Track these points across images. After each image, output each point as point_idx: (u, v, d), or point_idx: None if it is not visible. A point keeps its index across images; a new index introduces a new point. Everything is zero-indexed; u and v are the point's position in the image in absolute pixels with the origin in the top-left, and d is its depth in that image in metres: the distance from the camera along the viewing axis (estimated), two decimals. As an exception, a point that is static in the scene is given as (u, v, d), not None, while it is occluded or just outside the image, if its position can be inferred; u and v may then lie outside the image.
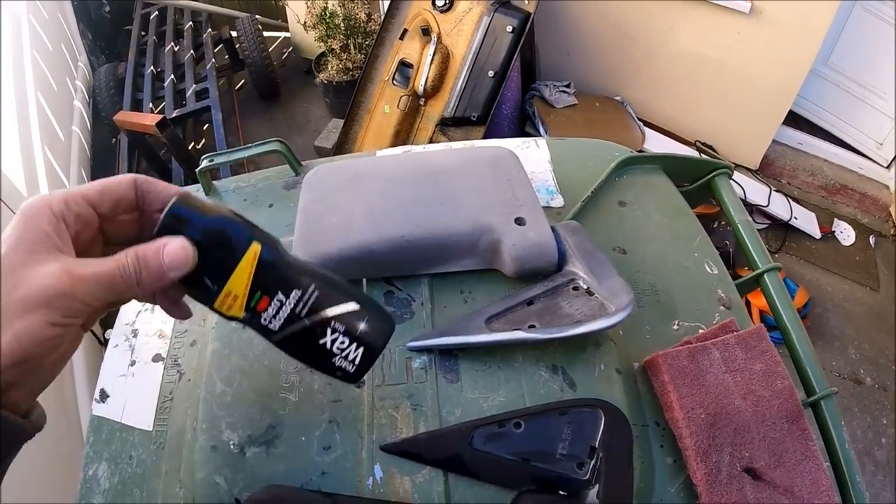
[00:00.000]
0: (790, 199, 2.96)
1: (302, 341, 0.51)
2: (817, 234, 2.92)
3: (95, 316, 0.49)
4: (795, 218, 2.90)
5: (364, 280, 0.72)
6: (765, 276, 0.83)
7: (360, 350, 0.52)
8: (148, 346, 0.76)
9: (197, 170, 0.93)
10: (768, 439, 0.62)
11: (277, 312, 0.50)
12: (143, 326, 0.79)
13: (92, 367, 2.29)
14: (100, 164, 3.60)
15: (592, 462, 0.57)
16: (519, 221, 0.69)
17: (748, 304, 2.37)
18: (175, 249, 0.46)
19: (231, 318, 0.50)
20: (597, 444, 0.57)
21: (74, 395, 2.12)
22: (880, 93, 2.88)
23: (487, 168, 0.76)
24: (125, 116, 2.88)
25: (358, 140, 2.89)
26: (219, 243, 0.48)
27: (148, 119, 2.67)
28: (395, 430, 0.60)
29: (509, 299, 0.67)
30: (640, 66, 3.01)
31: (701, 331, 0.71)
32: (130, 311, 0.82)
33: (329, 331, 0.51)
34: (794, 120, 3.15)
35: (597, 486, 0.56)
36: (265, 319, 0.50)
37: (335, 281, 0.53)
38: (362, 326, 0.52)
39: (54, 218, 0.45)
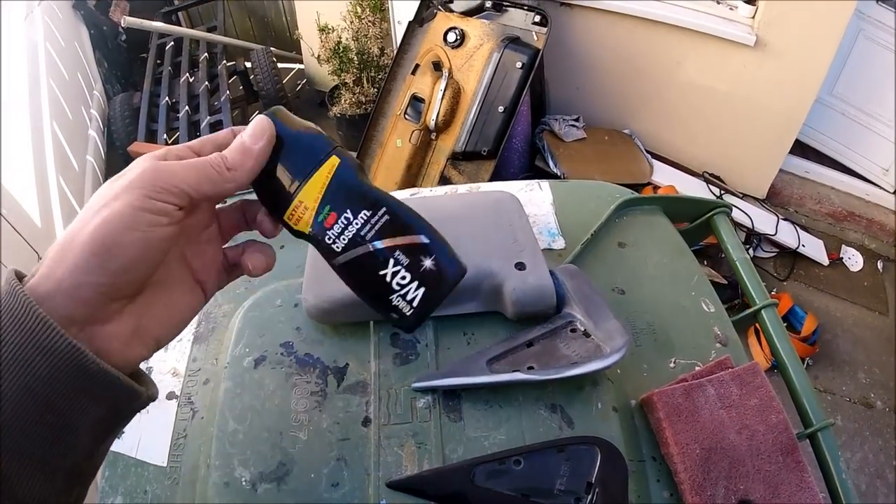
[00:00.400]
0: (798, 227, 2.98)
1: (362, 268, 0.48)
2: (825, 260, 2.93)
3: (192, 220, 0.48)
4: (803, 245, 2.91)
5: (371, 322, 0.75)
6: (762, 311, 0.85)
7: (421, 290, 0.49)
8: (162, 384, 0.78)
9: (217, 207, 0.95)
10: (763, 472, 0.63)
11: (343, 231, 0.47)
12: (158, 364, 0.81)
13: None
14: (114, 194, 3.62)
15: (589, 497, 0.59)
16: (519, 266, 0.72)
17: (756, 332, 2.38)
18: (252, 124, 0.46)
19: (299, 235, 0.49)
20: (593, 479, 0.60)
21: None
22: (885, 120, 2.90)
23: (490, 213, 0.79)
24: (140, 147, 2.92)
25: (370, 173, 2.91)
26: (300, 148, 0.48)
27: (162, 150, 2.70)
28: (401, 467, 0.63)
29: (510, 341, 0.70)
30: (648, 99, 3.04)
31: (697, 367, 0.73)
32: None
33: (392, 261, 0.48)
34: (801, 149, 3.17)
35: (595, 520, 0.59)
36: (330, 237, 0.47)
37: (408, 211, 0.50)
38: (427, 263, 0.49)
39: (156, 158, 0.43)
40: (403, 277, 0.48)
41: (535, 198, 0.94)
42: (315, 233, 0.48)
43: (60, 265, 0.39)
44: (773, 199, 3.15)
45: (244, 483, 0.64)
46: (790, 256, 2.95)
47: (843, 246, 3.04)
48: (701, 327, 0.80)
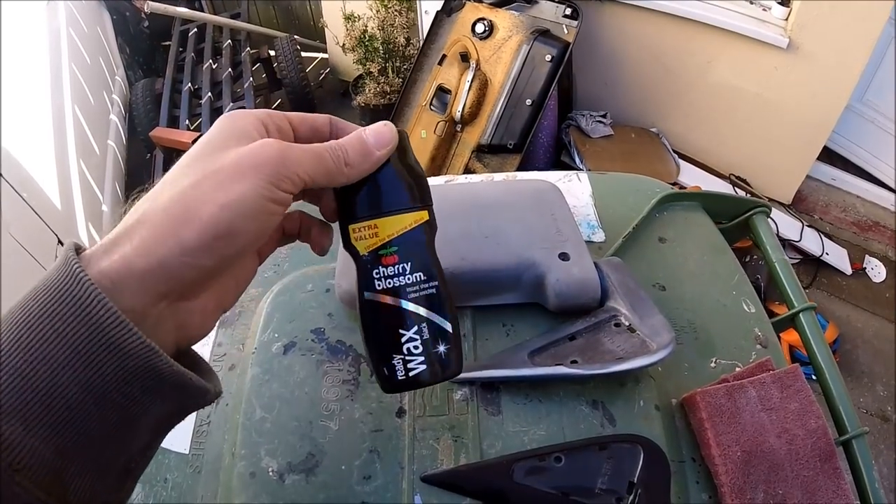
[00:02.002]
0: (822, 235, 2.94)
1: (386, 317, 0.48)
2: (848, 270, 2.89)
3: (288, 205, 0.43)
4: (827, 254, 2.87)
5: (407, 311, 0.72)
6: (800, 315, 0.82)
7: (422, 367, 0.49)
8: None
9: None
10: (801, 477, 0.61)
11: (392, 277, 0.48)
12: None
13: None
14: (134, 179, 3.64)
15: (631, 497, 0.57)
16: (563, 257, 0.69)
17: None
18: (378, 128, 0.46)
19: (351, 248, 0.48)
20: (635, 479, 0.57)
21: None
22: (915, 130, 2.86)
23: (532, 202, 0.77)
24: (162, 133, 2.92)
25: (394, 164, 2.89)
26: (404, 181, 0.48)
27: (185, 136, 2.71)
28: (436, 461, 0.61)
29: (551, 334, 0.68)
30: (677, 98, 3.00)
31: (738, 369, 0.71)
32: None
33: (415, 328, 0.49)
34: (828, 156, 3.13)
35: (636, 521, 0.56)
36: (377, 273, 0.48)
37: (450, 298, 0.51)
38: (441, 349, 0.50)
39: (258, 121, 0.43)
40: (416, 347, 0.49)
41: (573, 189, 0.92)
42: (367, 259, 0.48)
43: (159, 244, 0.37)
44: (798, 206, 3.11)
45: (271, 473, 0.62)
46: (813, 264, 2.91)
47: (867, 256, 2.99)
48: (741, 328, 0.78)
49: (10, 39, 2.59)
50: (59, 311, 0.34)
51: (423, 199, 0.49)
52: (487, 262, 0.70)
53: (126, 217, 0.39)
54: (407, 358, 0.49)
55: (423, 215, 0.48)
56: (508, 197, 0.78)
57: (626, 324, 0.67)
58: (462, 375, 0.64)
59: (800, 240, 2.83)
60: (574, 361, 0.64)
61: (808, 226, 2.96)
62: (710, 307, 0.79)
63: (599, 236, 0.85)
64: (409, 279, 0.48)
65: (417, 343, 0.49)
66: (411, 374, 0.49)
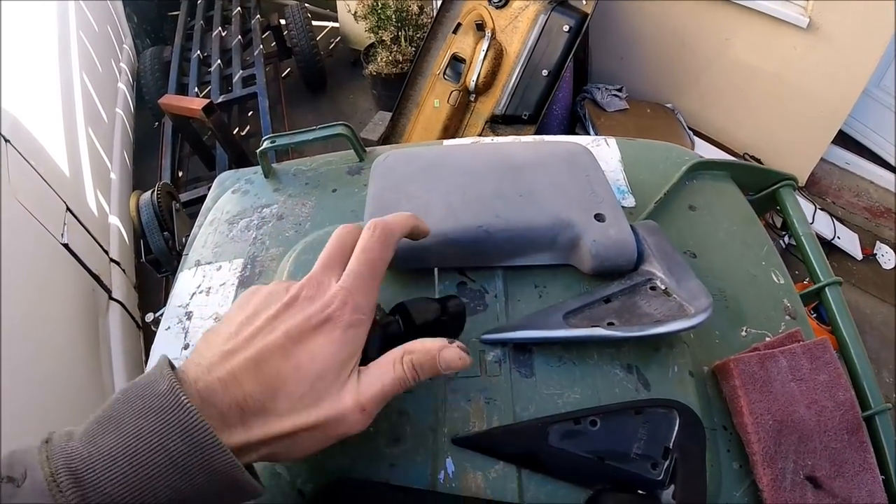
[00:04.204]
0: (834, 219, 2.92)
1: None
2: (859, 255, 2.87)
3: None
4: (838, 237, 2.86)
5: (436, 270, 0.70)
6: (826, 289, 0.81)
7: None
8: (202, 330, 0.75)
9: (258, 150, 0.92)
10: (829, 449, 0.60)
11: None
12: (198, 309, 0.78)
13: (130, 350, 2.32)
14: (142, 148, 3.63)
15: (667, 463, 0.55)
16: (599, 218, 0.67)
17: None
18: (452, 357, 0.49)
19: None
20: (671, 444, 0.56)
21: (112, 379, 2.15)
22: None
23: (565, 164, 0.75)
24: (170, 100, 2.89)
25: (406, 133, 2.89)
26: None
27: (194, 104, 2.68)
28: (468, 423, 0.59)
29: (587, 296, 0.66)
30: (693, 75, 2.97)
31: (767, 339, 0.69)
32: (184, 293, 0.81)
33: None
34: (843, 139, 3.10)
35: (672, 486, 0.55)
36: None
37: None
38: None
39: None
40: None
41: (602, 153, 0.89)
42: None
43: None
44: (811, 188, 3.09)
45: (294, 435, 0.60)
46: (824, 247, 2.87)
47: (878, 242, 2.97)
48: (771, 298, 0.76)
49: (17, 7, 2.57)
50: (165, 429, 0.40)
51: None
52: (522, 221, 0.67)
53: None
54: None
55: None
56: (541, 158, 0.76)
57: (663, 287, 0.66)
58: (495, 336, 0.63)
59: (812, 222, 2.82)
60: (611, 324, 0.62)
61: (821, 209, 2.94)
62: (739, 276, 0.77)
63: (630, 201, 0.83)
64: None
65: None
66: None
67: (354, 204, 0.86)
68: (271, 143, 0.91)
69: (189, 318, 0.77)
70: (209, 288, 0.80)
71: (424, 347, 0.49)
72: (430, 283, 0.70)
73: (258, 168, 0.97)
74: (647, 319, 0.62)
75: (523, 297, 0.69)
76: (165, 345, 0.75)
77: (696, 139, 2.97)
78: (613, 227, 0.67)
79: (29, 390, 1.64)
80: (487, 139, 0.94)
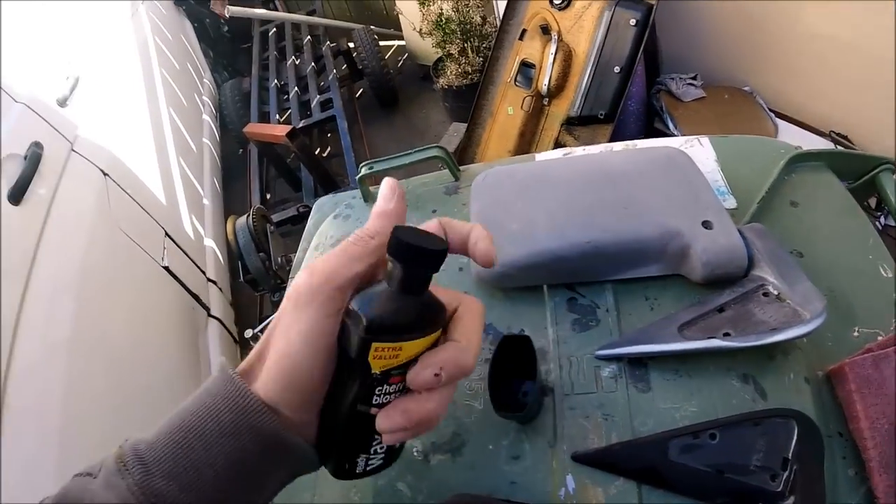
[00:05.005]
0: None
1: (369, 426, 0.47)
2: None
3: None
4: (940, 220, 2.70)
5: (545, 287, 0.71)
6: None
7: (379, 462, 0.52)
8: None
9: (357, 177, 0.95)
10: None
11: (391, 393, 0.47)
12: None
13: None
14: (229, 173, 3.78)
15: (786, 474, 0.54)
16: (706, 225, 0.66)
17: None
18: (381, 187, 0.50)
19: (360, 363, 0.45)
20: (790, 455, 0.55)
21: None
22: None
23: (664, 170, 0.74)
24: (254, 128, 3.02)
25: (482, 143, 2.90)
26: (439, 305, 0.48)
27: (278, 130, 2.79)
28: (586, 439, 0.59)
29: (699, 306, 0.65)
30: (767, 51, 2.85)
31: (880, 338, 0.67)
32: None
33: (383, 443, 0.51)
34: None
35: (791, 498, 0.53)
36: (380, 390, 0.46)
37: None
38: (396, 446, 0.52)
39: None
40: (381, 447, 0.50)
41: (697, 154, 0.88)
42: (377, 378, 0.46)
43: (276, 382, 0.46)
44: (905, 161, 2.93)
45: (415, 453, 0.62)
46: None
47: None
48: (881, 294, 0.72)
49: (103, 50, 2.74)
50: (216, 403, 0.45)
51: (444, 318, 0.48)
52: (630, 233, 0.68)
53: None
54: (370, 456, 0.50)
55: (438, 334, 0.47)
56: (638, 166, 0.75)
57: (775, 293, 0.64)
58: (610, 351, 0.64)
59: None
60: (727, 334, 0.61)
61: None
62: (847, 273, 0.74)
63: (731, 202, 0.81)
64: (401, 394, 0.47)
65: (383, 444, 0.50)
66: (369, 468, 0.51)
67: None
68: (369, 168, 0.94)
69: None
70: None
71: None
72: (539, 301, 0.71)
73: (356, 192, 1.00)
74: (762, 327, 0.61)
75: (635, 310, 0.69)
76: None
77: (779, 121, 2.86)
78: (722, 233, 0.66)
79: (137, 403, 1.75)
80: (579, 149, 0.94)
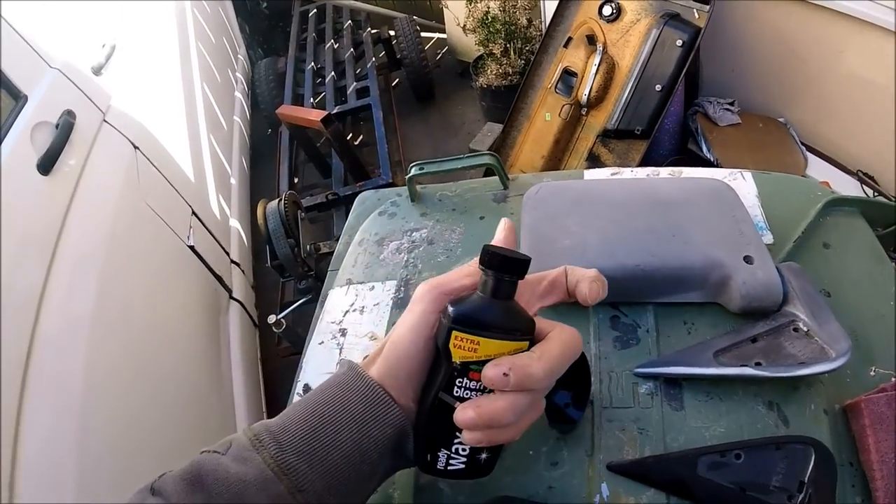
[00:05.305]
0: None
1: (451, 419, 0.51)
2: None
3: None
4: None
5: (590, 304, 0.75)
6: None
7: (461, 466, 0.54)
8: (358, 347, 0.81)
9: (407, 177, 0.97)
10: None
11: (473, 390, 0.51)
12: (352, 327, 0.84)
13: (247, 348, 2.43)
14: (256, 153, 3.78)
15: (801, 496, 0.58)
16: (748, 260, 0.70)
17: None
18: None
19: (444, 351, 0.51)
20: (806, 479, 0.59)
21: (230, 373, 2.26)
22: None
23: (711, 202, 0.78)
24: (288, 110, 3.00)
25: (516, 146, 2.93)
26: (525, 318, 0.52)
27: (313, 115, 2.78)
28: (622, 451, 0.63)
29: (734, 335, 0.69)
30: (805, 87, 2.87)
31: (894, 379, 0.70)
32: (337, 310, 0.87)
33: None
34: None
35: (805, 518, 0.57)
36: (461, 382, 0.51)
37: None
38: (484, 456, 0.55)
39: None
40: (464, 450, 0.54)
41: (740, 188, 0.91)
42: (457, 368, 0.51)
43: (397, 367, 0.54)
44: (931, 205, 2.92)
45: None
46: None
47: None
48: None
49: (141, 18, 2.70)
50: (347, 394, 0.52)
51: (530, 332, 0.52)
52: (676, 260, 0.72)
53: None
54: (451, 455, 0.54)
55: (524, 346, 0.51)
56: (688, 195, 0.79)
57: (805, 329, 0.68)
58: (648, 370, 0.68)
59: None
60: (758, 363, 0.65)
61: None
62: (869, 315, 0.77)
63: (768, 238, 0.85)
64: (478, 394, 0.51)
65: (466, 447, 0.54)
66: (449, 468, 0.55)
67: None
68: (419, 169, 0.97)
69: (343, 335, 0.83)
70: (363, 307, 0.86)
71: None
72: (584, 316, 0.74)
73: (401, 190, 1.03)
74: (791, 360, 0.65)
75: (673, 332, 0.73)
76: (318, 359, 0.82)
77: (810, 155, 2.88)
78: (761, 269, 0.70)
79: (156, 380, 1.75)
80: (627, 170, 0.97)
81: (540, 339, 0.52)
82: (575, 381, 0.62)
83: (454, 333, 0.50)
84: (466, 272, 0.55)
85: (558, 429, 0.65)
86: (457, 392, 0.51)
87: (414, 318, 0.53)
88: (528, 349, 0.51)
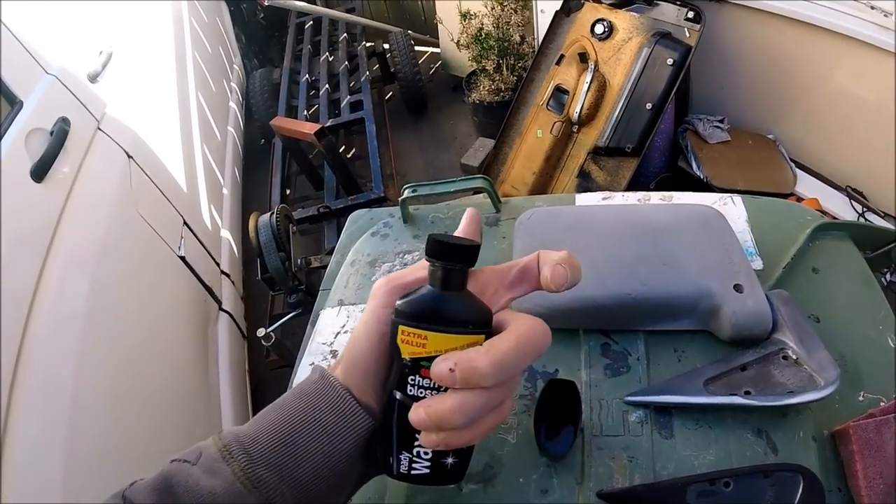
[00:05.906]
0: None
1: (406, 413, 0.47)
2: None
3: None
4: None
5: (581, 330, 0.76)
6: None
7: (424, 471, 0.51)
8: None
9: (400, 199, 0.98)
10: None
11: (426, 388, 0.48)
12: (342, 348, 0.82)
13: (236, 360, 2.42)
14: (248, 164, 3.78)
15: None
16: (737, 288, 0.71)
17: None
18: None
19: (392, 347, 0.49)
20: None
21: (218, 385, 2.25)
22: None
23: (702, 229, 0.79)
24: (282, 122, 3.02)
25: (508, 162, 2.94)
26: (478, 308, 0.50)
27: (306, 127, 2.79)
28: (612, 479, 0.63)
29: (724, 363, 0.70)
30: (794, 104, 2.90)
31: (882, 403, 0.71)
32: (327, 331, 0.87)
33: None
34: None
35: (793, 545, 0.58)
36: (413, 380, 0.48)
37: None
38: (450, 461, 0.51)
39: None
40: (426, 453, 0.51)
41: (729, 213, 0.91)
42: (407, 364, 0.48)
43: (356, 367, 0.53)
44: (919, 224, 2.96)
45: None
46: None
47: None
48: (886, 362, 0.76)
49: (138, 25, 2.70)
50: (317, 403, 0.51)
51: (485, 324, 0.49)
52: (666, 289, 0.72)
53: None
54: (414, 458, 0.50)
55: (479, 339, 0.48)
56: (679, 222, 0.80)
57: (794, 357, 0.69)
58: (639, 398, 0.68)
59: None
60: (748, 392, 0.66)
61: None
62: (858, 340, 0.78)
63: (757, 264, 0.86)
64: (433, 391, 0.48)
65: (428, 450, 0.50)
66: (413, 472, 0.51)
67: (494, 256, 0.91)
68: (412, 191, 0.97)
69: (334, 356, 0.83)
70: (354, 329, 0.86)
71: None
72: (575, 343, 0.75)
73: (394, 210, 1.04)
74: (780, 388, 0.66)
75: (663, 360, 0.73)
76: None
77: (799, 171, 2.90)
78: (751, 297, 0.71)
79: (144, 387, 1.75)
80: (619, 195, 0.98)
81: (500, 332, 0.48)
82: (565, 408, 0.63)
83: (400, 328, 0.48)
84: (423, 264, 0.53)
85: (548, 456, 0.65)
86: (410, 391, 0.49)
87: (367, 315, 0.53)
88: (482, 343, 0.48)
